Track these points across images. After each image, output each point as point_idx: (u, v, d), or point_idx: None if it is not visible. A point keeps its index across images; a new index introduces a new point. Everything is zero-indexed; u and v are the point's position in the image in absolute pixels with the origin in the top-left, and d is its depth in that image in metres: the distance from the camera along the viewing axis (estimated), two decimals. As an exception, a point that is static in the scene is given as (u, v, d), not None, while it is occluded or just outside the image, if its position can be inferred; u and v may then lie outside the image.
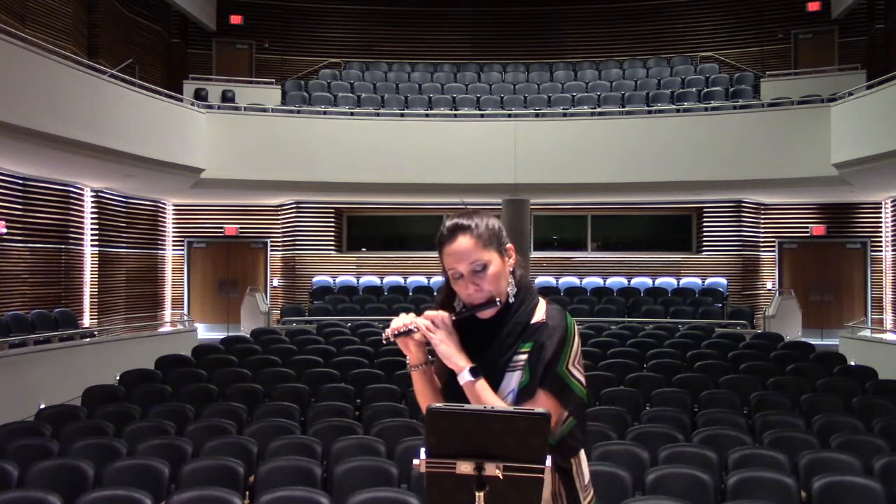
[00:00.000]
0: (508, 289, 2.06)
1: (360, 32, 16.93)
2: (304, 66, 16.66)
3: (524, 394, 1.98)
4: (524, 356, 2.01)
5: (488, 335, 2.05)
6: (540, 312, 2.06)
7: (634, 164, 12.40)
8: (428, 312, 2.06)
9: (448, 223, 2.07)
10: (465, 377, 1.98)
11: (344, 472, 4.43)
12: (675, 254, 15.07)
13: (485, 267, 2.02)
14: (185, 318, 14.69)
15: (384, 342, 2.12)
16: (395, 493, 3.86)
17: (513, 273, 2.09)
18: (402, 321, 2.06)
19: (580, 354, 2.05)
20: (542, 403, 1.95)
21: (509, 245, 2.09)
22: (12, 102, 8.43)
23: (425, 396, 2.12)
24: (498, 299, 2.03)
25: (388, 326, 2.10)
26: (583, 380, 2.03)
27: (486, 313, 2.06)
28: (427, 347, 2.10)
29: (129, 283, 13.92)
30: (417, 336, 2.06)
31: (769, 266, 15.02)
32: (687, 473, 4.30)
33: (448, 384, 2.09)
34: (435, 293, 11.43)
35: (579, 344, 2.06)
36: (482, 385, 1.97)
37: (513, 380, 2.01)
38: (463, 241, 2.02)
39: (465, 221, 2.05)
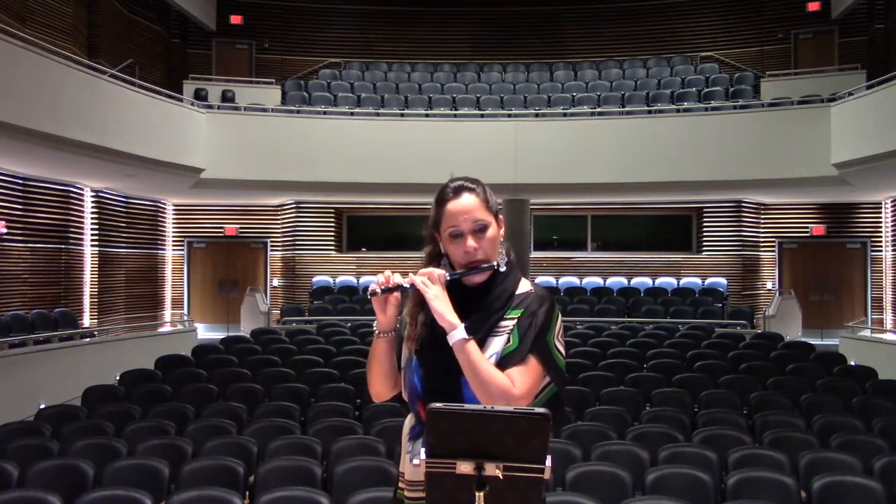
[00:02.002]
0: (499, 259, 2.10)
1: (360, 32, 16.93)
2: (304, 66, 16.66)
3: (510, 358, 2.00)
4: (510, 322, 2.04)
5: (473, 302, 2.08)
6: (525, 285, 2.12)
7: (634, 164, 12.39)
8: (423, 270, 2.08)
9: (453, 184, 2.12)
10: (458, 335, 1.97)
11: (344, 472, 4.43)
12: (675, 254, 15.07)
13: (485, 228, 2.08)
14: (185, 318, 14.69)
15: (369, 296, 2.09)
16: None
17: (502, 244, 2.14)
18: (395, 276, 2.07)
19: (562, 329, 2.11)
20: (530, 368, 2.00)
21: (501, 216, 2.16)
22: (12, 102, 8.42)
23: (383, 368, 2.14)
24: (495, 262, 2.08)
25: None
26: (564, 352, 2.09)
27: (478, 277, 2.10)
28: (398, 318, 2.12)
29: (129, 283, 13.92)
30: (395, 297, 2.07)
31: (769, 266, 15.02)
32: (687, 473, 4.30)
33: (424, 348, 2.08)
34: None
35: (561, 320, 2.12)
36: (474, 345, 1.98)
37: (495, 344, 2.02)
38: (469, 199, 2.08)
39: (470, 184, 2.12)
